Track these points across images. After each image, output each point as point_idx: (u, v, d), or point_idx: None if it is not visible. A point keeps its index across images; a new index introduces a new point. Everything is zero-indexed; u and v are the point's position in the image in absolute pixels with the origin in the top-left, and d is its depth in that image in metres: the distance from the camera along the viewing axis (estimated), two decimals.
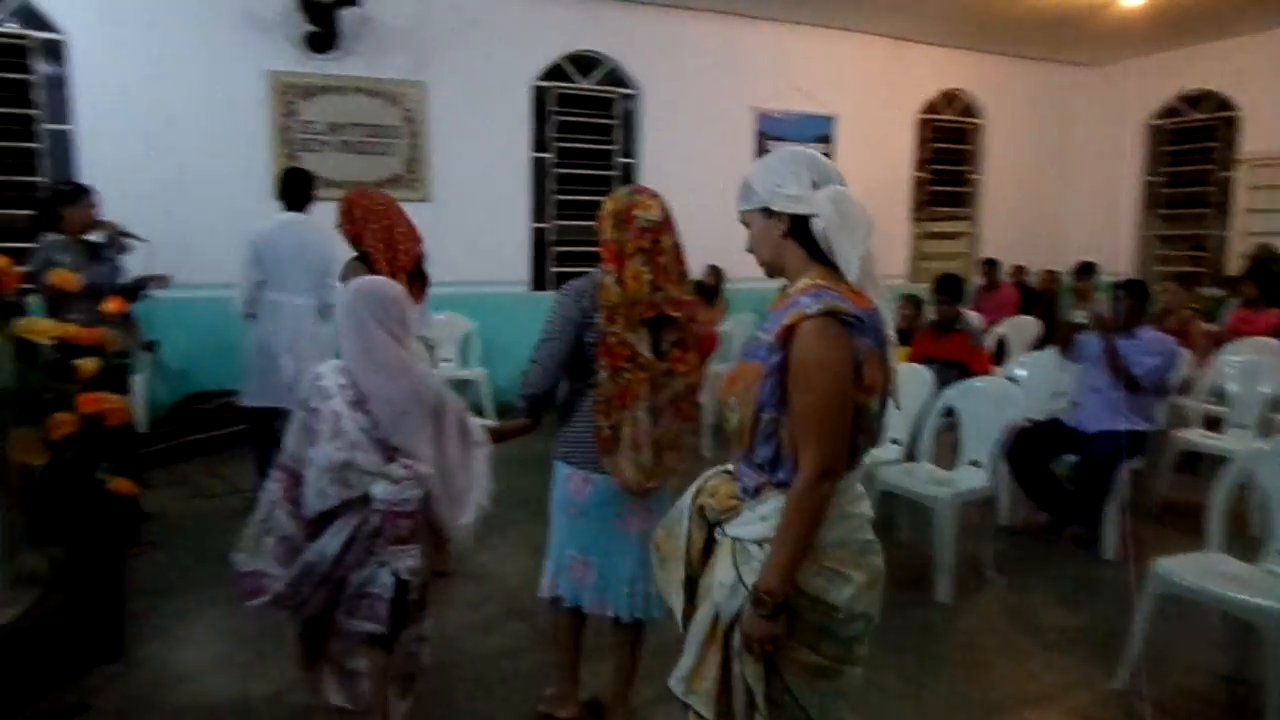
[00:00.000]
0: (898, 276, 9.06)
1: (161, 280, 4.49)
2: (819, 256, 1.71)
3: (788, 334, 1.63)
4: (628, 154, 7.84)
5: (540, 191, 7.49)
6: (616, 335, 2.38)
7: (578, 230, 7.71)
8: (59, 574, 3.03)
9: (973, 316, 6.54)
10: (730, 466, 1.83)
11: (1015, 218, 9.57)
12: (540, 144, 7.43)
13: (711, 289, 7.18)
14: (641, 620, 2.56)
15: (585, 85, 7.60)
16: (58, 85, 5.89)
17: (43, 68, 5.87)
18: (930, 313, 5.30)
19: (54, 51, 5.86)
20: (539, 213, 7.49)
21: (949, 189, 9.56)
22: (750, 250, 1.83)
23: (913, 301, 6.16)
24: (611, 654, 2.66)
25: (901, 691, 2.96)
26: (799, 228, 1.71)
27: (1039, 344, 6.97)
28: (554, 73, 7.41)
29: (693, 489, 1.90)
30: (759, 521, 1.70)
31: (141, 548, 3.94)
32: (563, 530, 2.59)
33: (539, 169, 7.45)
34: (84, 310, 3.83)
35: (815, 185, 1.71)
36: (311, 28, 6.27)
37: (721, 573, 1.72)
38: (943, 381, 4.38)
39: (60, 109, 5.90)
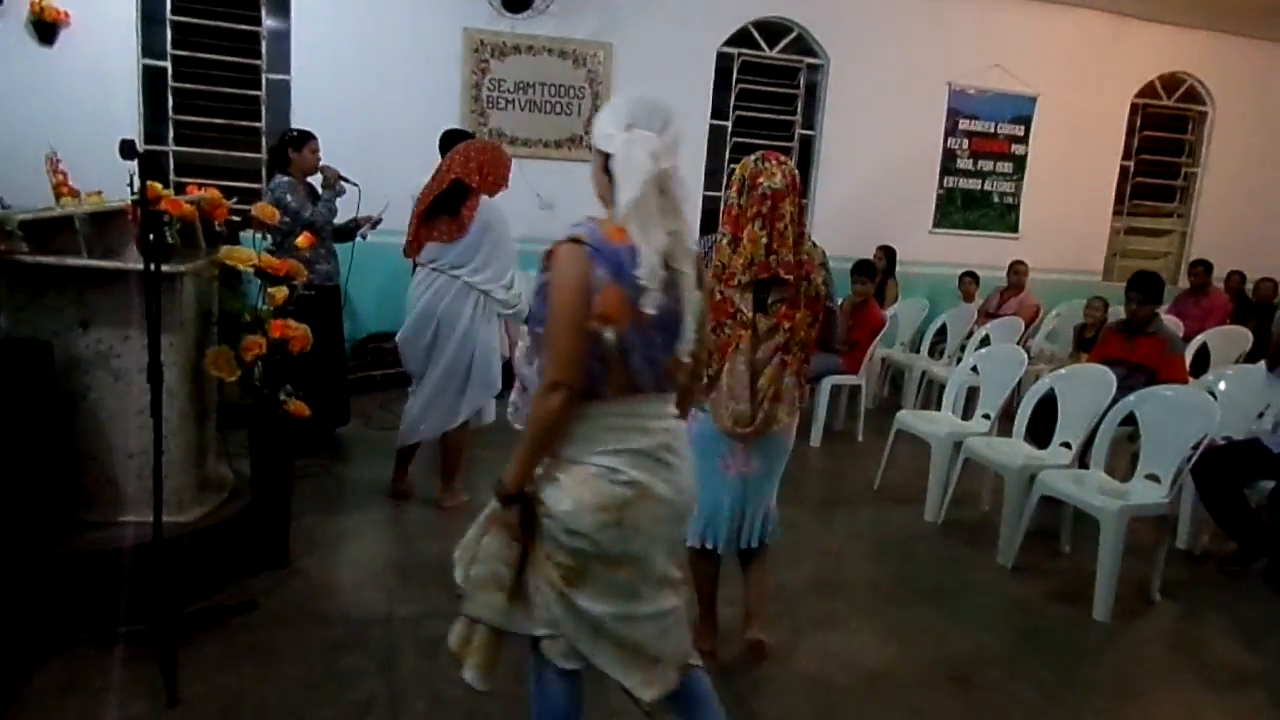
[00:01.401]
0: (1092, 274, 8.42)
1: (373, 221, 4.83)
2: None
3: (549, 257, 1.77)
4: (808, 126, 7.65)
5: (716, 160, 7.44)
6: (722, 293, 2.56)
7: None
8: (241, 484, 3.34)
9: (1170, 320, 6.02)
10: None
11: (1236, 218, 8.66)
12: (720, 111, 7.37)
13: (881, 270, 6.94)
14: (752, 546, 2.82)
15: (771, 54, 7.45)
16: (281, 38, 6.38)
17: (269, 21, 6.37)
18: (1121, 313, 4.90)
19: (281, 5, 6.33)
20: (712, 181, 7.46)
21: (1160, 182, 8.77)
22: None
23: (1102, 301, 5.73)
24: (743, 575, 2.95)
25: (1040, 707, 2.80)
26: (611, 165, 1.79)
27: (1248, 357, 6.32)
28: (740, 38, 7.31)
29: None
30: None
31: (317, 468, 4.27)
32: None
33: (717, 137, 7.40)
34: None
35: (629, 128, 1.77)
36: None
37: None
38: (1127, 387, 4.05)
39: (282, 60, 6.39)
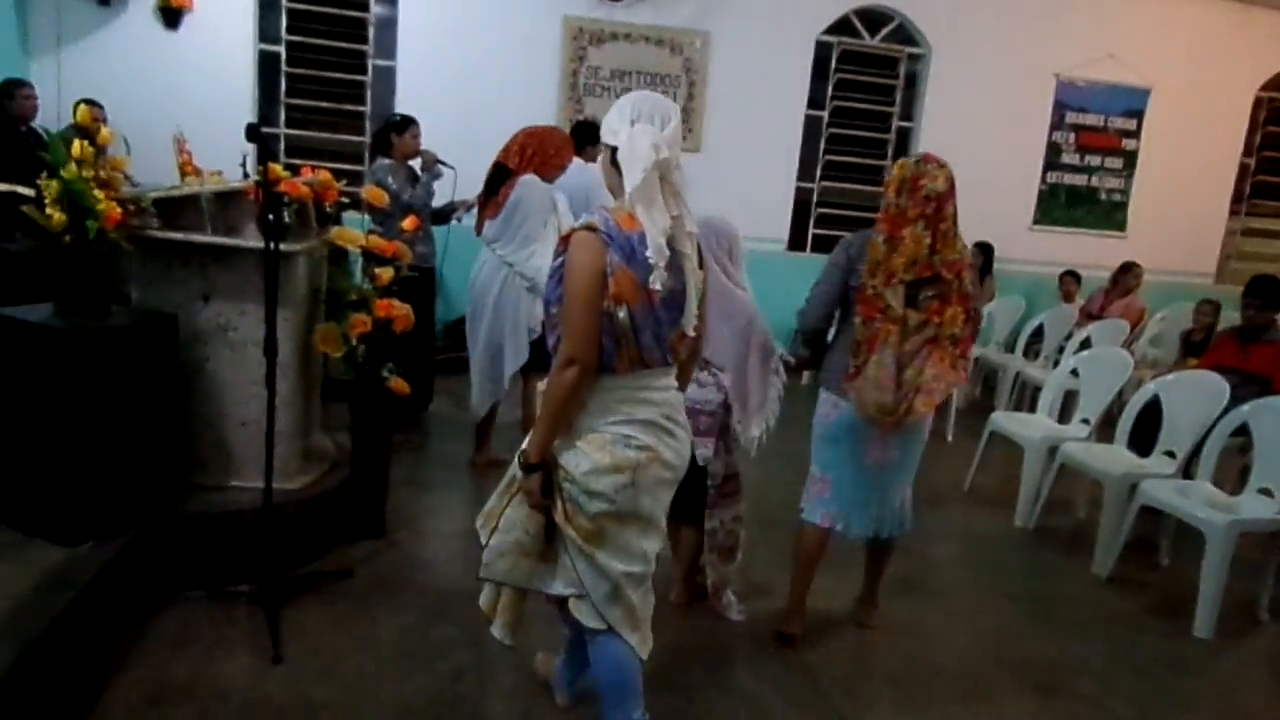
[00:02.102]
0: (1204, 276, 8.03)
1: (469, 204, 4.96)
2: None
3: (565, 243, 1.93)
4: (907, 117, 7.49)
5: (810, 150, 7.35)
6: (874, 289, 2.66)
7: (842, 192, 7.52)
8: (342, 456, 3.48)
9: None
10: None
11: None
12: (816, 101, 7.27)
13: (978, 267, 6.75)
14: (884, 536, 2.95)
15: (872, 42, 7.31)
16: (388, 25, 6.56)
17: (377, 9, 6.56)
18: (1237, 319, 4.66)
19: None
20: (805, 172, 7.37)
21: None
22: None
23: (1212, 305, 5.47)
24: (866, 560, 3.13)
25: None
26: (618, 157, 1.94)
27: None
28: (840, 27, 7.19)
29: None
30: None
31: (412, 443, 4.41)
32: (815, 450, 2.97)
33: (812, 127, 7.30)
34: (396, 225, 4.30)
35: (633, 123, 1.92)
36: None
37: None
38: (1241, 396, 3.87)
39: (388, 46, 6.57)
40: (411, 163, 4.87)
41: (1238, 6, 7.61)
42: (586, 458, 1.96)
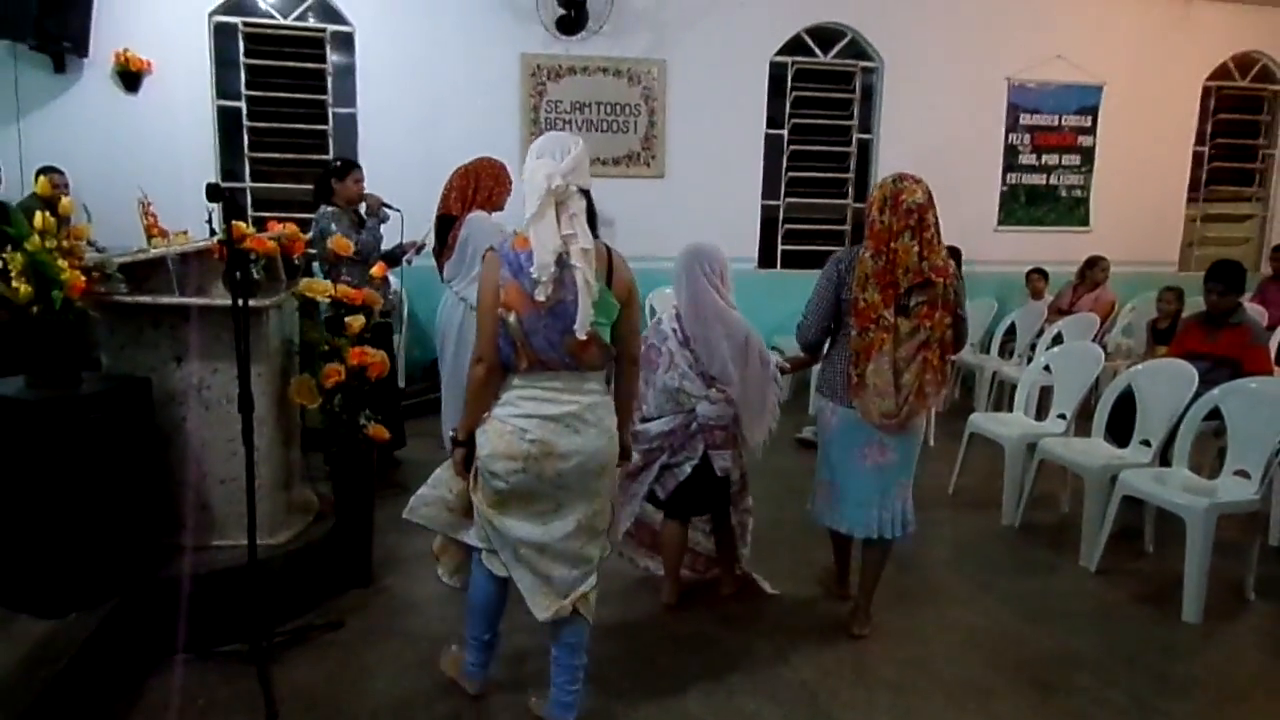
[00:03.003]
0: (1167, 264, 8.16)
1: (417, 246, 4.96)
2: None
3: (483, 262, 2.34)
4: (865, 130, 7.60)
5: (773, 168, 7.44)
6: (866, 300, 2.86)
7: (808, 207, 7.60)
8: (325, 506, 3.47)
9: (1253, 309, 5.79)
10: None
11: None
12: (775, 120, 7.37)
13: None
14: (886, 538, 3.08)
15: (826, 59, 7.43)
16: (346, 73, 6.61)
17: (335, 57, 6.61)
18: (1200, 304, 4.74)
19: (345, 42, 6.57)
20: (770, 190, 7.45)
21: (1236, 165, 8.46)
22: None
23: (1175, 293, 5.56)
24: (862, 563, 3.25)
25: (1130, 711, 2.74)
26: None
27: None
28: (793, 46, 7.31)
29: None
30: None
31: (392, 489, 4.38)
32: (819, 455, 3.21)
33: (773, 146, 7.40)
34: (354, 273, 4.31)
35: (538, 158, 2.26)
36: (562, 11, 6.59)
37: None
38: (1211, 381, 3.93)
39: (347, 94, 6.62)
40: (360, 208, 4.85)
41: (1180, 1, 7.80)
42: (489, 442, 2.31)
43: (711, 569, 3.55)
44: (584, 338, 2.21)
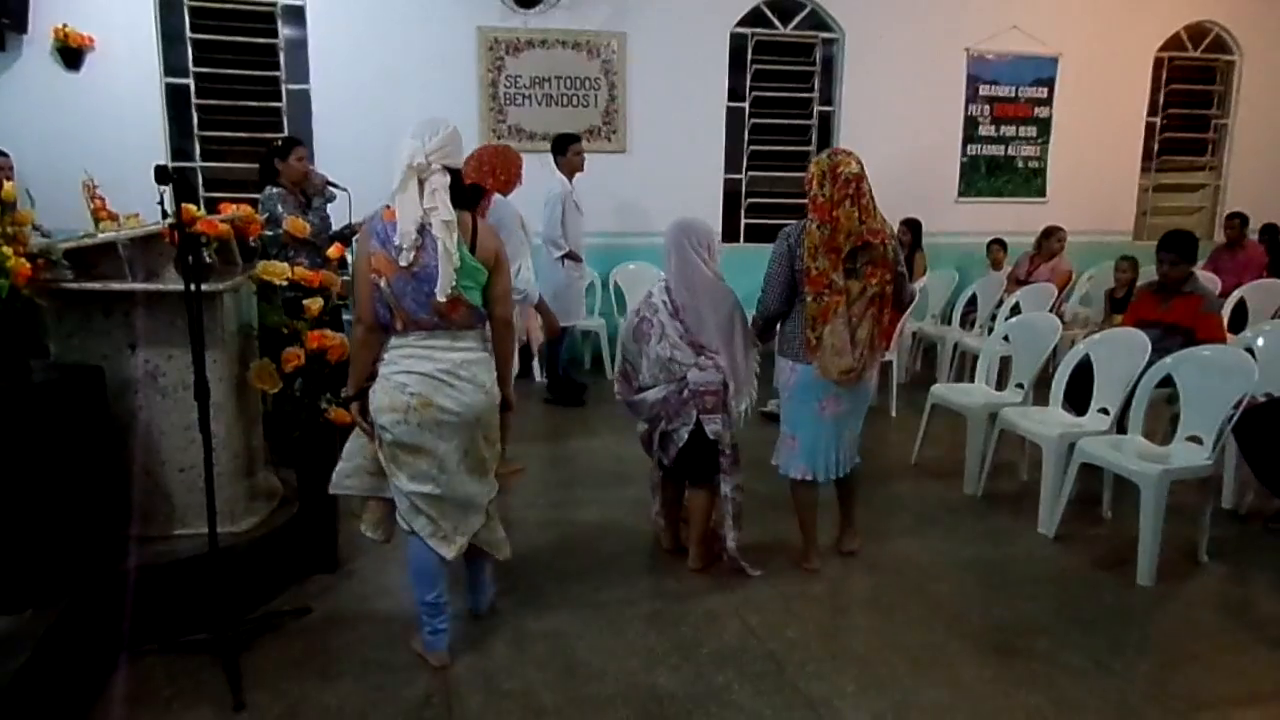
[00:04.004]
0: (1123, 233, 8.29)
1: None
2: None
3: None
4: (826, 102, 7.60)
5: (735, 142, 7.42)
6: (817, 268, 3.13)
7: (770, 181, 7.60)
8: (289, 492, 3.42)
9: (1206, 276, 5.92)
10: None
11: (1269, 169, 8.46)
12: (736, 93, 7.34)
13: (907, 244, 6.88)
14: (844, 478, 3.46)
15: (785, 31, 7.40)
16: (298, 47, 6.45)
17: (286, 31, 6.45)
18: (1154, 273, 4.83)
19: (297, 16, 6.41)
20: (732, 164, 7.44)
21: (1189, 136, 8.60)
22: None
23: (1130, 262, 5.66)
24: (837, 496, 3.59)
25: (1088, 672, 2.81)
26: None
27: None
28: (753, 18, 7.27)
29: None
30: None
31: None
32: (782, 413, 3.46)
33: (734, 119, 7.37)
34: (305, 254, 4.23)
35: (410, 138, 2.48)
36: None
37: None
38: (1164, 349, 4.01)
39: (300, 70, 6.47)
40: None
41: None
42: (375, 398, 2.56)
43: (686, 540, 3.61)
44: (442, 299, 2.45)
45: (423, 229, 2.45)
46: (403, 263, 2.44)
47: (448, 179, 2.50)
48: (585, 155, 5.83)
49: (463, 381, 2.56)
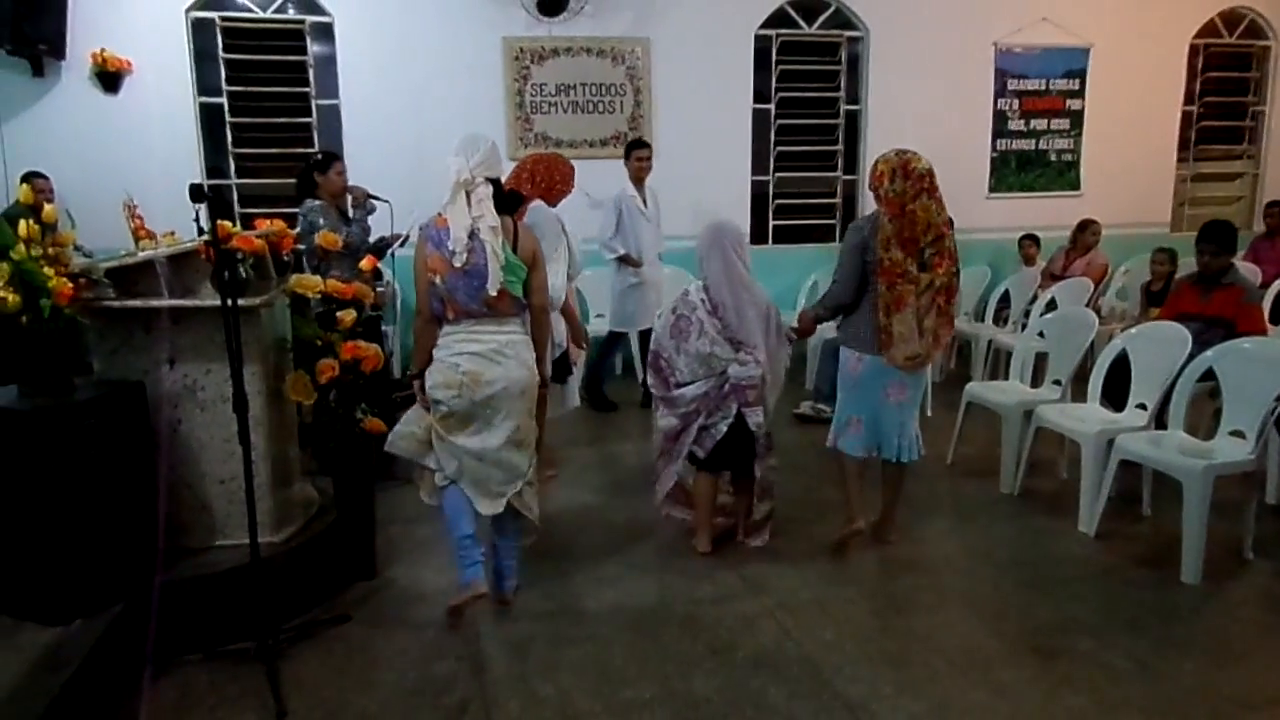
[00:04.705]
0: (1160, 225, 8.14)
1: (402, 239, 4.93)
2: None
3: None
4: (853, 100, 7.56)
5: (761, 144, 7.40)
6: (891, 259, 3.31)
7: (798, 182, 7.57)
8: (326, 501, 3.47)
9: (1247, 268, 5.80)
10: None
11: None
12: (762, 94, 7.33)
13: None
14: (904, 461, 3.58)
15: (810, 30, 7.37)
16: (327, 63, 6.55)
17: (315, 48, 6.55)
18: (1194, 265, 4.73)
19: (325, 33, 6.51)
20: (759, 165, 7.42)
21: (1226, 124, 8.42)
22: None
23: (1167, 254, 5.55)
24: (884, 485, 3.72)
25: (1132, 673, 2.76)
26: None
27: None
28: (777, 19, 7.25)
29: None
30: None
31: (393, 481, 4.40)
32: (843, 398, 3.64)
33: (760, 120, 7.36)
34: (342, 267, 4.30)
35: (455, 155, 2.91)
36: None
37: None
38: (1205, 342, 3.93)
39: (329, 85, 6.56)
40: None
41: None
42: (432, 376, 2.96)
43: (731, 519, 3.82)
44: (493, 293, 2.87)
45: (472, 234, 2.85)
46: (457, 264, 2.84)
47: (490, 189, 2.92)
48: (646, 161, 5.86)
49: (507, 359, 2.95)
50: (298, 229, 4.44)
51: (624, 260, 5.77)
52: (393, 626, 3.11)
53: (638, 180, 5.85)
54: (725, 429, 3.46)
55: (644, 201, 5.86)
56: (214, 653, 2.82)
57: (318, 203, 4.65)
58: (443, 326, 2.97)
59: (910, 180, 3.27)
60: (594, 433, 5.51)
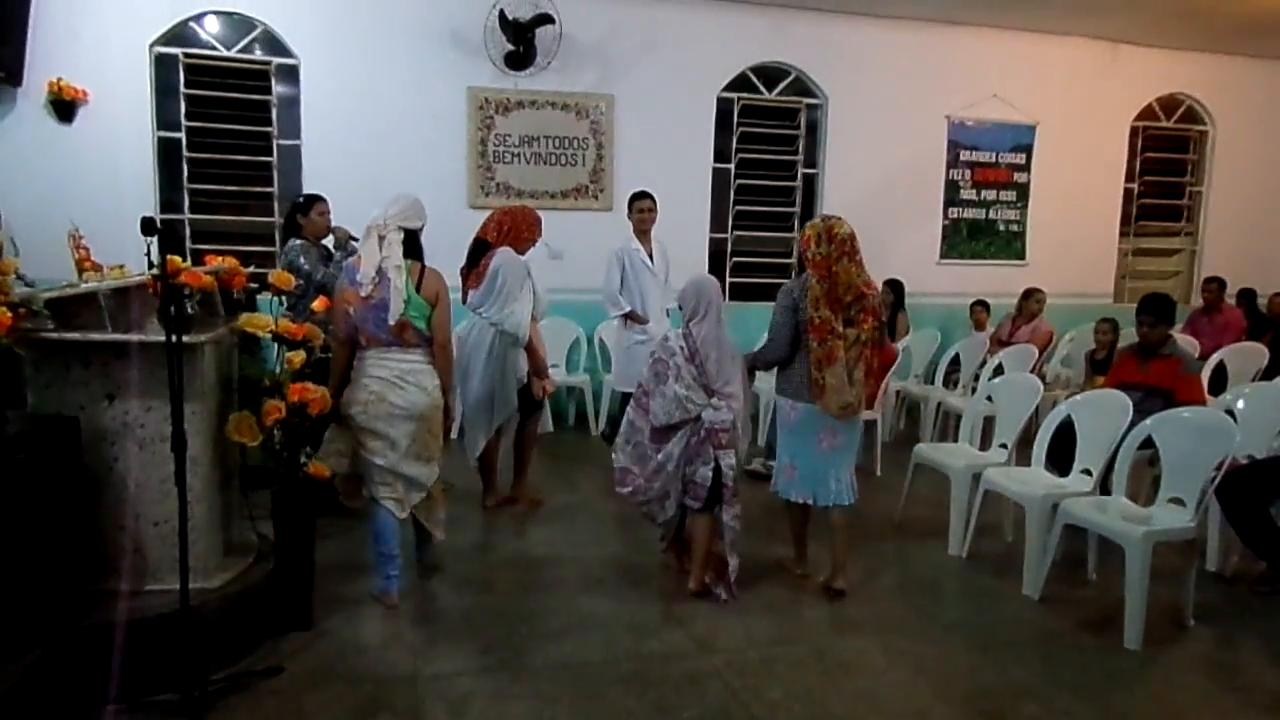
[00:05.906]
0: (1103, 296, 8.41)
1: None
2: None
3: None
4: (810, 164, 7.74)
5: (720, 203, 7.52)
6: (820, 317, 3.56)
7: (755, 241, 7.69)
8: (265, 547, 3.37)
9: (1184, 340, 5.99)
10: None
11: (1243, 235, 8.66)
12: (723, 154, 7.47)
13: (889, 304, 6.91)
14: (841, 504, 3.75)
15: (770, 96, 7.56)
16: (291, 104, 6.53)
17: (280, 89, 6.53)
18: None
19: (290, 74, 6.50)
20: (718, 224, 7.53)
21: (1165, 202, 8.79)
22: None
23: (1110, 324, 5.72)
24: (830, 534, 3.84)
25: None
26: None
27: (1265, 374, 6.28)
28: (739, 83, 7.43)
29: None
30: None
31: (332, 528, 4.28)
32: (780, 444, 3.92)
33: (720, 180, 7.48)
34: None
35: (379, 206, 3.45)
36: (511, 46, 6.61)
37: None
38: (1145, 411, 4.03)
39: (292, 126, 6.53)
40: (327, 241, 4.84)
41: (1107, 45, 8.13)
42: (347, 394, 3.41)
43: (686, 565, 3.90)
44: (393, 323, 3.31)
45: (380, 272, 3.31)
46: (363, 295, 3.31)
47: (401, 235, 3.38)
48: (649, 213, 5.58)
49: (409, 384, 3.38)
50: (278, 268, 4.40)
51: (629, 317, 5.47)
52: (327, 679, 2.99)
53: (641, 233, 5.57)
54: (709, 474, 3.61)
55: (649, 255, 5.59)
56: (137, 703, 2.68)
57: (300, 242, 4.68)
58: (359, 353, 3.42)
59: (834, 244, 3.58)
60: (569, 477, 5.44)
